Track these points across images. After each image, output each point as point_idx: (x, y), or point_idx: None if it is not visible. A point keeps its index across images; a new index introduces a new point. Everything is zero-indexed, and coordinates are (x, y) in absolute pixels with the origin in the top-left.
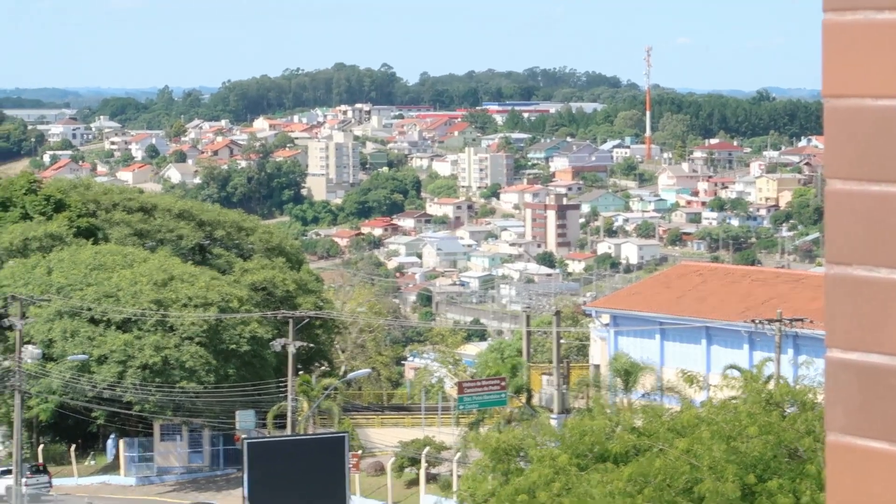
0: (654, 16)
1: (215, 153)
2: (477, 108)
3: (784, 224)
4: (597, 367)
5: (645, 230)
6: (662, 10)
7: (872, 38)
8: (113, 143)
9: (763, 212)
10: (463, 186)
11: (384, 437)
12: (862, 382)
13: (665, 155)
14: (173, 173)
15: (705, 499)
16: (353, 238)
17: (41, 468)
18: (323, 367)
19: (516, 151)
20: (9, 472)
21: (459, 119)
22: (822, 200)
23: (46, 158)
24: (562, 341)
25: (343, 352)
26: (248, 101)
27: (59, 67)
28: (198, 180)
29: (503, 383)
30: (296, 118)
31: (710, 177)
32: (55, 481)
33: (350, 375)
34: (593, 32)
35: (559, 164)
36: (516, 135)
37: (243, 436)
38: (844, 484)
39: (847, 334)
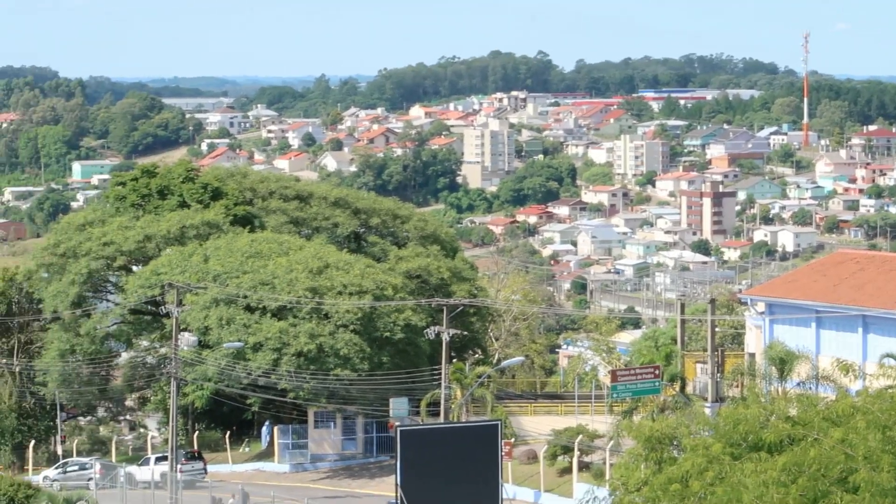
0: (812, 1)
1: (371, 141)
2: (633, 95)
3: None
4: (752, 355)
5: (802, 218)
6: None
7: None
8: (270, 131)
9: None
10: (618, 174)
11: (537, 425)
12: None
13: (822, 142)
14: (329, 161)
15: (860, 489)
16: (507, 226)
17: (196, 455)
18: (476, 355)
19: (672, 139)
20: (164, 458)
21: (615, 106)
22: None
23: (204, 147)
24: (717, 329)
25: (497, 340)
26: (405, 88)
27: (217, 56)
28: (354, 168)
29: (657, 371)
30: (451, 106)
31: (868, 164)
32: (210, 468)
33: (503, 363)
34: (751, 18)
35: (715, 151)
36: (672, 122)
37: (396, 423)
38: None
39: None
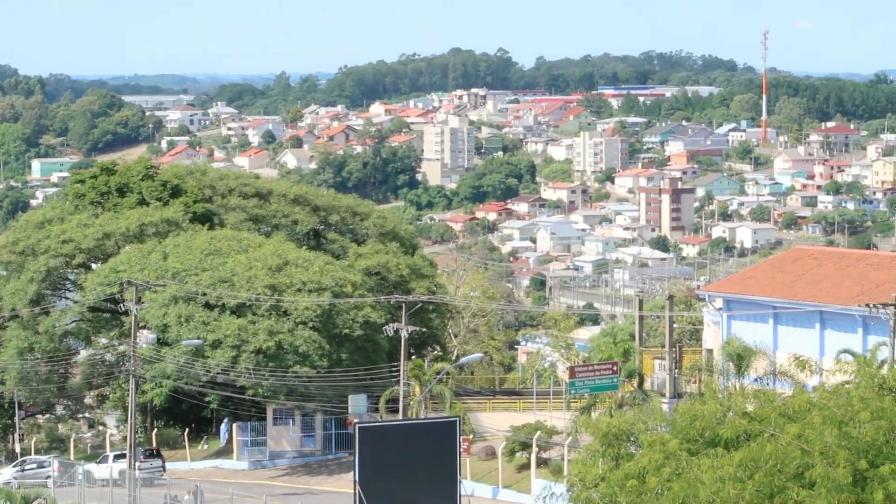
0: None
1: (331, 138)
2: (592, 92)
3: None
4: (710, 351)
5: (760, 214)
6: None
7: None
8: (230, 128)
9: (879, 195)
10: (577, 171)
11: (495, 421)
12: None
13: (781, 138)
14: (289, 159)
15: (816, 484)
16: (467, 223)
17: (155, 452)
18: (435, 352)
19: (631, 135)
20: (123, 455)
21: (575, 103)
22: None
23: (164, 144)
24: (675, 326)
25: (455, 336)
26: (365, 86)
27: (177, 54)
28: (314, 165)
29: (615, 368)
30: (411, 103)
31: (826, 160)
32: (168, 465)
33: (462, 360)
34: (710, 15)
35: (674, 147)
36: (631, 119)
37: (355, 420)
38: None
39: None
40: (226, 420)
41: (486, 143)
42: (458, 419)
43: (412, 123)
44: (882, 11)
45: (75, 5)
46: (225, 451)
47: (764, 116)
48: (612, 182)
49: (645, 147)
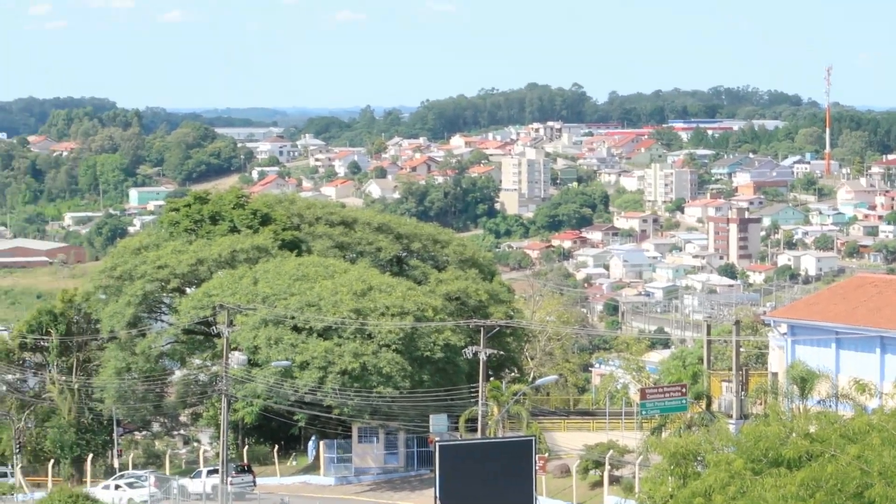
0: (835, 34)
1: (414, 169)
2: (663, 125)
3: None
4: (775, 374)
5: (823, 243)
6: (844, 30)
7: None
8: (317, 159)
9: None
10: (649, 201)
11: (570, 440)
12: None
13: (844, 170)
14: (374, 188)
15: (875, 503)
16: (543, 250)
17: (246, 468)
18: (512, 374)
19: (700, 167)
20: (216, 471)
21: (646, 136)
22: None
23: (255, 174)
24: (741, 350)
25: (532, 359)
26: (445, 119)
27: (267, 88)
28: (397, 195)
29: (684, 390)
30: (490, 136)
31: (887, 191)
32: (259, 480)
33: (538, 381)
34: (776, 52)
35: (741, 179)
36: (700, 151)
37: (436, 438)
38: None
39: None
40: (313, 438)
41: (561, 174)
42: (534, 438)
43: (491, 155)
44: None
45: (170, 41)
46: (312, 468)
47: (827, 149)
48: (682, 212)
49: (713, 178)
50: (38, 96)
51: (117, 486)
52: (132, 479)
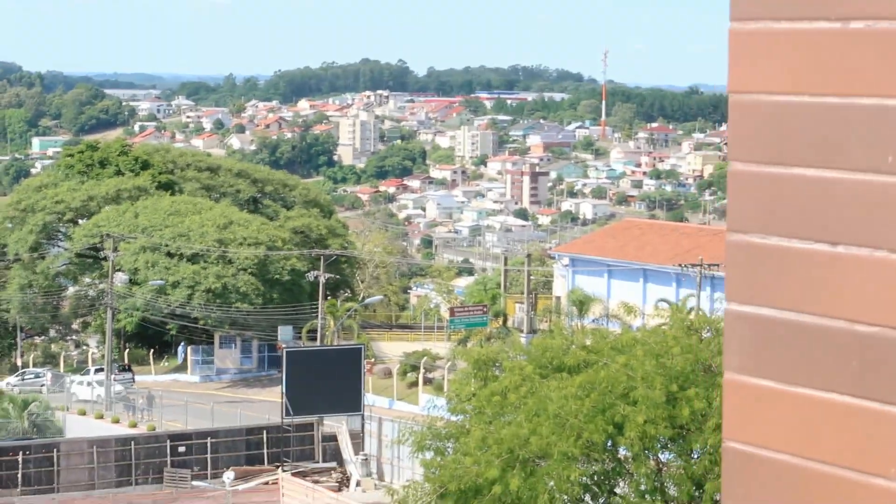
0: (612, 22)
1: (267, 126)
2: (471, 95)
3: (706, 190)
4: (558, 298)
5: (598, 193)
6: (620, 18)
7: (769, 43)
8: (188, 117)
9: (691, 180)
10: (458, 156)
11: (392, 349)
12: (754, 331)
13: (616, 135)
14: (234, 141)
15: (638, 402)
16: (372, 194)
17: (127, 367)
18: (346, 294)
19: (500, 130)
20: (101, 370)
21: (457, 104)
22: None
23: (136, 128)
24: (531, 277)
25: (362, 282)
26: (294, 86)
27: (147, 56)
28: (253, 147)
29: (485, 309)
30: (330, 100)
31: (650, 153)
32: (137, 378)
33: (367, 301)
34: (563, 37)
35: (533, 140)
36: (501, 117)
37: (283, 345)
38: (737, 413)
39: (743, 291)
40: (182, 343)
41: (387, 133)
42: (362, 347)
43: (331, 116)
44: (696, 37)
45: (69, 13)
46: (181, 368)
47: (603, 118)
48: (485, 166)
49: (511, 139)
50: None
51: (89, 383)
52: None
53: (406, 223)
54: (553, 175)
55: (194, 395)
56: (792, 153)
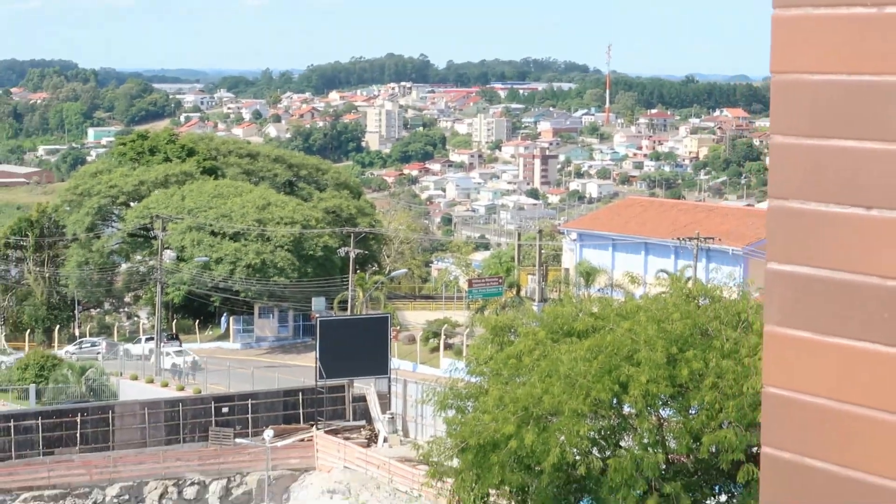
0: (614, 17)
1: (301, 116)
2: (487, 86)
3: (702, 170)
4: (567, 269)
5: (603, 174)
6: (622, 12)
7: (809, 27)
8: (229, 108)
9: (687, 161)
10: (475, 141)
11: (415, 317)
12: (793, 288)
13: (619, 121)
14: (271, 130)
15: (641, 363)
16: (397, 177)
17: (174, 336)
18: (374, 268)
19: (514, 117)
20: (152, 338)
21: (474, 94)
22: (729, 153)
23: (182, 119)
24: (542, 251)
25: (388, 257)
26: (325, 79)
27: (192, 53)
28: (288, 135)
29: (500, 280)
30: (358, 92)
31: (650, 136)
32: (184, 346)
33: (393, 274)
34: (570, 31)
35: (543, 126)
36: (514, 105)
37: (317, 315)
38: (777, 362)
39: (783, 251)
40: (225, 314)
41: (410, 121)
42: (388, 316)
43: (359, 106)
44: (691, 30)
45: (119, 12)
46: (224, 337)
47: (607, 105)
48: (500, 150)
49: (523, 126)
50: (18, 58)
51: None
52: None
53: (428, 203)
54: (562, 158)
55: (236, 360)
56: (830, 126)
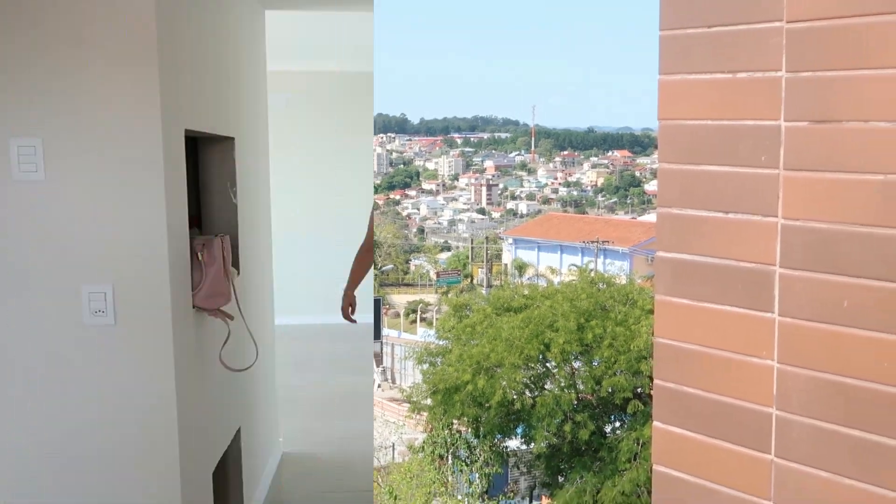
0: (537, 84)
1: None
2: (448, 135)
3: (599, 194)
4: (506, 265)
5: (531, 197)
6: (542, 82)
7: (685, 88)
8: None
9: (590, 188)
10: (441, 174)
11: (400, 299)
12: (675, 269)
13: (541, 159)
14: None
15: (559, 330)
16: (385, 200)
17: None
18: None
19: (467, 157)
20: None
21: (439, 141)
22: (618, 182)
23: None
24: (489, 252)
25: (380, 257)
26: None
27: None
28: None
29: (459, 272)
30: None
31: (563, 170)
32: None
33: (383, 269)
34: (507, 96)
35: (488, 163)
36: (467, 149)
37: None
38: (664, 321)
39: (668, 243)
40: None
41: (394, 160)
42: (380, 298)
43: None
44: (589, 94)
45: None
46: None
47: (533, 149)
48: (458, 181)
49: (474, 163)
50: None
51: None
52: None
53: (407, 218)
54: (501, 186)
55: None
56: (699, 156)
